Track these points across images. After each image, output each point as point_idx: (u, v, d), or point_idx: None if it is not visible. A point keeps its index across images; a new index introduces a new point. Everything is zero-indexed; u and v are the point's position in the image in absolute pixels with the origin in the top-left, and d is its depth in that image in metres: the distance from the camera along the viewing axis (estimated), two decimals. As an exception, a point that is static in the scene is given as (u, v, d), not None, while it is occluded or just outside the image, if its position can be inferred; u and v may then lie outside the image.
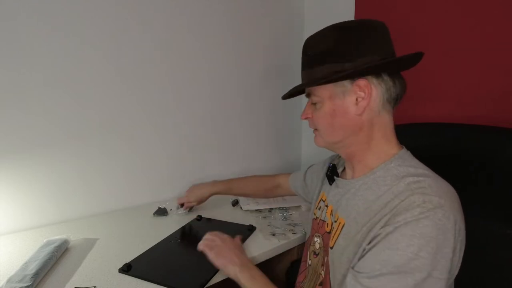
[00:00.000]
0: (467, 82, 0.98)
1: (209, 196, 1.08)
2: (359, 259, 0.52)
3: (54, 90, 0.98)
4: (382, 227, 0.50)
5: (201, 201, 1.09)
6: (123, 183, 1.15)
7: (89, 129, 1.06)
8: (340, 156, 0.76)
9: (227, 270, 0.68)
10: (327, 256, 0.63)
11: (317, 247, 0.70)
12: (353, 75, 0.56)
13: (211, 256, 0.71)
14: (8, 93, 0.91)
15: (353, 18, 1.27)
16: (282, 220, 1.03)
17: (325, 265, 0.64)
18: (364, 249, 0.52)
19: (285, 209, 1.11)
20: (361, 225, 0.54)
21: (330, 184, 0.70)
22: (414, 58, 0.58)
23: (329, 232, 0.65)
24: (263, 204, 1.13)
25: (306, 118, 0.67)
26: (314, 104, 0.63)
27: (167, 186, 1.26)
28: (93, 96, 1.05)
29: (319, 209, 0.74)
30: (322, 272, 0.64)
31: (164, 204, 1.12)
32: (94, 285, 0.68)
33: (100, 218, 1.06)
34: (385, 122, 0.59)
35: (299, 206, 1.13)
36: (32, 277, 0.66)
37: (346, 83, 0.57)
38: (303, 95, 0.69)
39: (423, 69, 1.07)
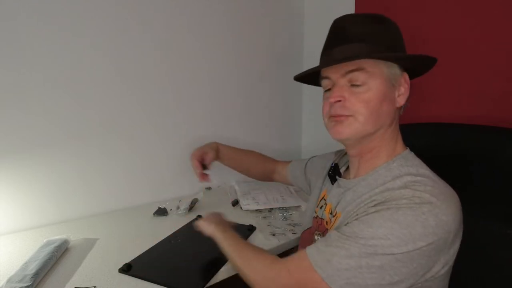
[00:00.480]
0: (467, 82, 0.98)
1: (215, 147, 0.96)
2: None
3: (54, 90, 0.98)
4: (365, 210, 0.51)
5: (207, 153, 0.94)
6: (123, 183, 1.15)
7: (89, 129, 1.06)
8: (345, 154, 0.74)
9: (206, 229, 0.72)
10: None
11: None
12: (405, 63, 0.56)
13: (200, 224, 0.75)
14: (8, 93, 0.91)
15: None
16: (282, 220, 1.03)
17: None
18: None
19: (285, 209, 1.11)
20: (354, 215, 0.55)
21: (332, 184, 0.70)
22: (432, 62, 0.60)
23: (328, 229, 0.65)
24: (263, 204, 1.13)
25: (338, 101, 0.56)
26: (355, 86, 0.55)
27: (167, 186, 1.26)
28: (93, 96, 1.05)
29: (321, 208, 0.73)
30: None
31: (164, 204, 1.12)
32: (94, 285, 0.68)
33: (100, 218, 1.06)
34: (398, 120, 0.60)
35: (299, 206, 1.13)
36: (32, 277, 0.66)
37: (398, 71, 0.56)
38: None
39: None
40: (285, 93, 1.55)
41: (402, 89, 0.57)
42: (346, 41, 0.55)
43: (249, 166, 1.01)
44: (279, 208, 1.12)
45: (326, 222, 0.67)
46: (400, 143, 0.60)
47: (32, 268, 0.69)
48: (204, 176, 0.93)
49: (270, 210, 1.11)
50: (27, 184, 0.97)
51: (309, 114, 1.64)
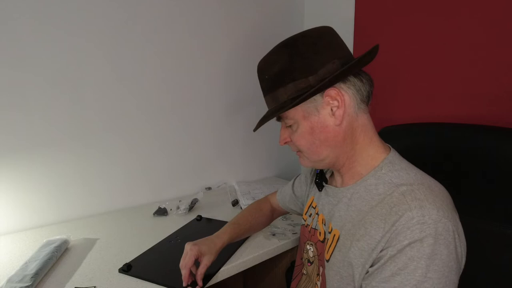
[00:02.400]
0: (467, 82, 0.98)
1: (217, 248, 0.74)
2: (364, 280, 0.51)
3: (54, 90, 0.98)
4: (385, 247, 0.48)
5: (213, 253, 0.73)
6: (123, 183, 1.15)
7: (89, 129, 1.06)
8: None
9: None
10: (323, 268, 0.61)
11: (311, 255, 0.68)
12: (322, 88, 0.54)
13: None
14: (8, 93, 0.91)
15: (353, 18, 1.27)
16: (282, 220, 1.03)
17: (321, 276, 0.62)
18: (367, 272, 0.50)
19: (285, 209, 1.11)
20: (357, 238, 0.52)
21: (320, 191, 0.68)
22: (372, 53, 0.56)
23: (323, 242, 0.63)
24: (263, 204, 1.13)
25: (285, 143, 0.63)
26: (289, 126, 0.60)
27: (167, 186, 1.26)
28: (93, 96, 1.05)
29: (310, 216, 0.71)
30: (318, 283, 0.63)
31: (164, 204, 1.12)
32: (94, 285, 0.68)
33: (100, 218, 1.06)
34: (364, 123, 0.58)
35: (299, 206, 1.13)
36: (32, 277, 0.66)
37: (317, 97, 0.55)
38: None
39: (424, 69, 1.07)
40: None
41: (336, 103, 0.55)
42: (268, 90, 0.60)
43: (255, 228, 0.89)
44: (279, 208, 1.12)
45: (320, 233, 0.65)
46: (378, 147, 0.58)
47: (32, 268, 0.69)
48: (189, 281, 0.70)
49: (270, 210, 1.11)
50: (27, 184, 0.97)
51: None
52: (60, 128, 1.00)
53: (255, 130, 0.65)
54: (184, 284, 0.68)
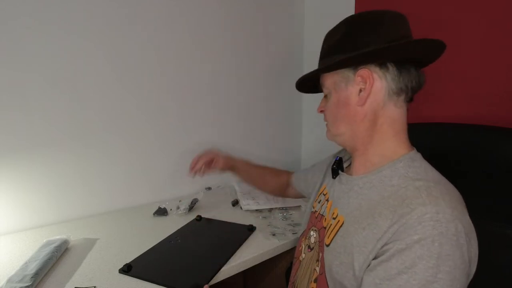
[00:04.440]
0: (467, 82, 0.98)
1: (229, 158, 0.99)
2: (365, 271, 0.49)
3: (54, 90, 0.98)
4: (391, 240, 0.46)
5: (218, 161, 0.98)
6: (123, 183, 1.15)
7: (89, 129, 1.06)
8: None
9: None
10: (322, 253, 0.61)
11: (312, 241, 0.68)
12: (352, 62, 0.55)
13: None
14: (8, 93, 0.91)
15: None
16: (282, 220, 1.03)
17: (320, 261, 0.61)
18: (370, 263, 0.49)
19: (285, 209, 1.11)
20: (363, 226, 0.52)
21: (334, 178, 0.68)
22: (422, 45, 0.54)
23: (325, 227, 0.63)
24: (263, 204, 1.13)
25: (321, 112, 0.66)
26: (326, 96, 0.63)
27: (167, 186, 1.26)
28: (93, 96, 1.05)
29: (319, 202, 0.72)
30: (317, 269, 0.62)
31: (164, 204, 1.12)
32: (94, 285, 0.68)
33: (100, 218, 1.06)
34: (393, 116, 0.56)
35: (299, 206, 1.13)
36: (32, 277, 0.66)
37: (349, 73, 0.57)
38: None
39: (423, 69, 1.07)
40: (285, 93, 1.55)
41: (360, 88, 0.56)
42: (321, 57, 0.64)
43: (264, 180, 1.00)
44: (279, 208, 1.12)
45: (325, 219, 0.65)
46: (402, 141, 0.57)
47: (32, 268, 0.69)
48: (194, 172, 0.98)
49: (270, 210, 1.11)
50: (27, 184, 0.97)
51: (309, 115, 1.64)
52: (60, 128, 1.00)
53: (296, 86, 0.72)
54: (190, 172, 0.93)
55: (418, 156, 0.57)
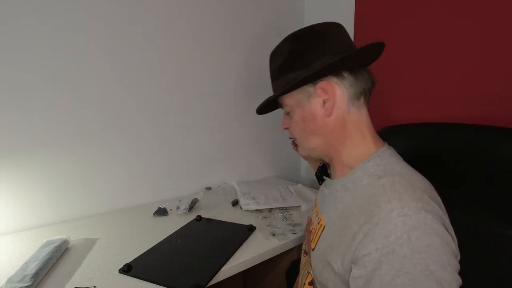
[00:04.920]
0: (467, 82, 0.98)
1: None
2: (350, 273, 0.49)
3: (54, 90, 0.98)
4: (368, 243, 0.46)
5: None
6: (123, 183, 1.15)
7: (89, 129, 1.06)
8: None
9: None
10: (310, 257, 0.63)
11: (306, 246, 0.71)
12: (310, 79, 0.57)
13: None
14: (8, 93, 0.91)
15: (353, 18, 1.27)
16: (282, 220, 1.03)
17: (310, 265, 0.64)
18: (352, 269, 0.48)
19: (285, 209, 1.11)
20: (339, 228, 0.53)
21: (320, 184, 0.71)
22: (371, 50, 0.58)
23: (310, 232, 0.66)
24: (263, 204, 1.13)
25: (285, 129, 0.68)
26: (288, 114, 0.65)
27: (167, 186, 1.26)
28: (93, 96, 1.05)
29: (311, 209, 0.75)
30: (311, 272, 0.64)
31: (164, 204, 1.12)
32: (94, 285, 0.68)
33: (100, 218, 1.06)
34: (357, 119, 0.59)
35: (299, 206, 1.13)
36: (32, 277, 0.66)
37: (309, 88, 0.59)
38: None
39: (424, 69, 1.07)
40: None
41: (326, 95, 0.57)
42: (272, 79, 0.67)
43: None
44: (279, 208, 1.12)
45: (312, 223, 0.68)
46: (370, 140, 0.59)
47: (32, 268, 0.69)
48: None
49: (270, 210, 1.11)
50: (27, 184, 0.97)
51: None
52: (60, 128, 1.00)
53: (257, 111, 0.73)
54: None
55: (388, 152, 0.58)
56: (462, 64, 0.98)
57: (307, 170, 1.66)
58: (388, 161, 0.56)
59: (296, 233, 0.93)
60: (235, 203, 1.18)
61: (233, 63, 1.37)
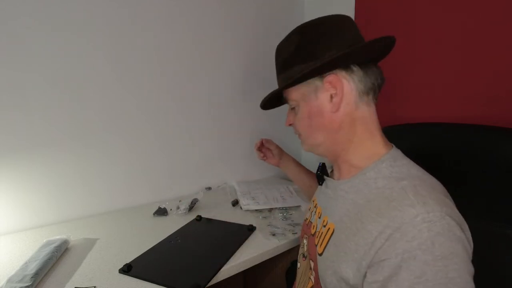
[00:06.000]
0: (467, 82, 0.98)
1: (281, 157, 1.03)
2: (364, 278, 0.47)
3: (54, 90, 0.98)
4: (385, 246, 0.44)
5: (278, 153, 1.03)
6: (123, 183, 1.15)
7: (89, 129, 1.06)
8: None
9: None
10: (314, 262, 0.59)
11: (305, 249, 0.67)
12: (318, 71, 0.55)
13: None
14: (8, 93, 0.91)
15: (353, 18, 1.27)
16: (282, 220, 1.03)
17: (313, 271, 0.60)
18: (366, 274, 0.47)
19: (285, 209, 1.11)
20: (353, 232, 0.50)
21: (320, 184, 0.68)
22: (382, 44, 0.56)
23: (313, 235, 0.63)
24: (263, 204, 1.13)
25: (290, 125, 0.67)
26: (293, 109, 0.63)
27: (167, 186, 1.26)
28: (93, 96, 1.05)
29: (309, 209, 0.72)
30: (312, 278, 0.61)
31: (164, 204, 1.12)
32: (94, 285, 0.68)
33: (100, 218, 1.06)
34: (366, 116, 0.57)
35: (299, 206, 1.13)
36: (32, 277, 0.66)
37: (317, 82, 0.56)
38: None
39: (424, 69, 1.07)
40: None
41: (334, 90, 0.55)
42: (278, 72, 0.64)
43: (310, 182, 0.97)
44: (279, 208, 1.12)
45: (313, 227, 0.64)
46: (379, 142, 0.57)
47: (32, 268, 0.69)
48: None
49: (270, 210, 1.11)
50: (27, 184, 0.97)
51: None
52: (60, 128, 1.00)
53: (261, 106, 0.72)
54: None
55: (399, 153, 0.56)
56: (462, 64, 0.98)
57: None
58: (402, 162, 0.54)
59: (296, 233, 0.93)
60: (235, 203, 1.18)
61: (233, 63, 1.37)
